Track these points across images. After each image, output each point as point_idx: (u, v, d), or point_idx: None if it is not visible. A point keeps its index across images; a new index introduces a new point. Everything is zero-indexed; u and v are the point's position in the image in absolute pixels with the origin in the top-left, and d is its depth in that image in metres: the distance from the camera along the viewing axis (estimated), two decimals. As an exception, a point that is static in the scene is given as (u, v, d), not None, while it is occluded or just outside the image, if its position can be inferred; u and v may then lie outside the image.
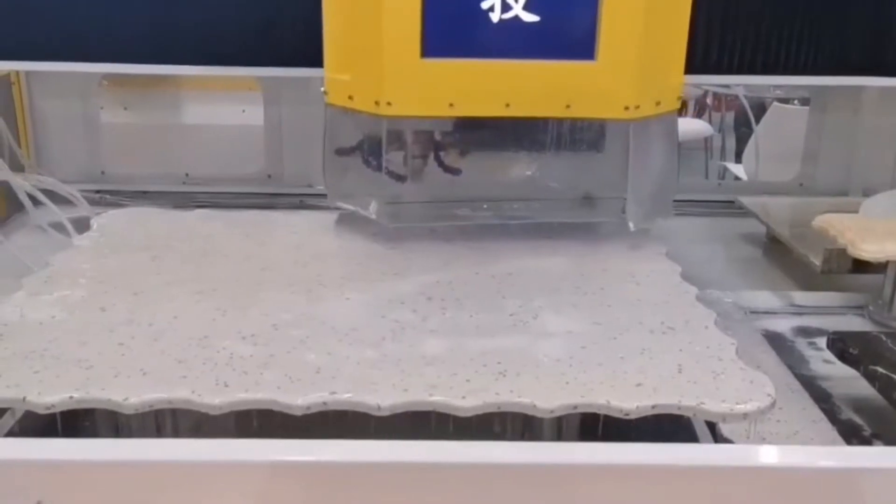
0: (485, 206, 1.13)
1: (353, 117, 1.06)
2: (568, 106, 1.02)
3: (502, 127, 1.06)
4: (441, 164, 1.11)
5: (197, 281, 0.96)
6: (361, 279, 0.99)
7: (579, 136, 1.08)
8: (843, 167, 1.55)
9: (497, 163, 1.15)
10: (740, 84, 2.49)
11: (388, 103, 1.00)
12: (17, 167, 1.36)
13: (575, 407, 0.73)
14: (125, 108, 1.73)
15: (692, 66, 1.09)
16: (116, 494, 0.64)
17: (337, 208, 1.15)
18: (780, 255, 1.30)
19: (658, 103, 1.05)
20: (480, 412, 0.72)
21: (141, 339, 0.82)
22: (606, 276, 1.01)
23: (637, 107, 1.02)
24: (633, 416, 0.72)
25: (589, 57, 1.00)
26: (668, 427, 0.80)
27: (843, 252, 1.09)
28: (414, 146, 1.09)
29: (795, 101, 2.97)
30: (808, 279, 1.21)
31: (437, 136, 1.10)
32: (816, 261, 1.13)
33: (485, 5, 0.98)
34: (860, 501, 0.65)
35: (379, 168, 1.08)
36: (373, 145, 1.08)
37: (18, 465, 0.64)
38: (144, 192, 1.49)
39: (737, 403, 0.72)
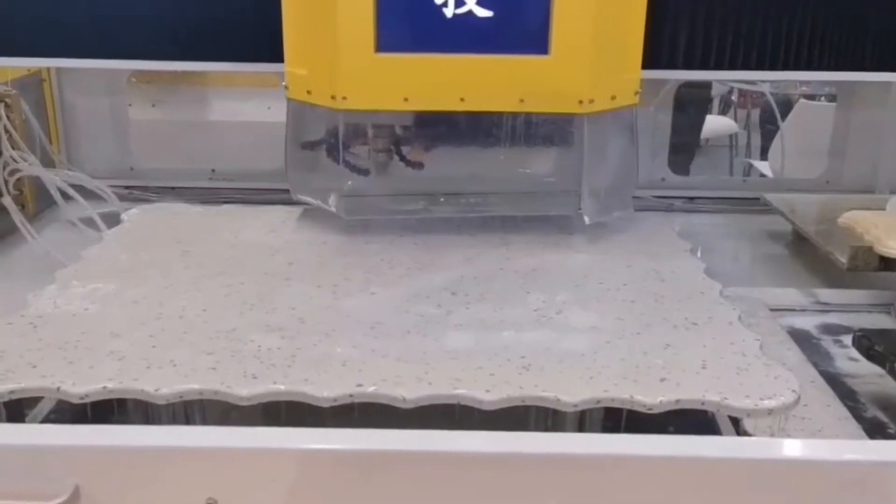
0: (441, 200, 1.13)
1: (313, 111, 1.06)
2: (522, 100, 1.02)
3: (461, 121, 1.06)
4: (402, 158, 1.11)
5: (225, 275, 0.98)
6: (386, 274, 1.00)
7: (536, 130, 1.07)
8: (869, 164, 1.53)
9: (456, 157, 1.15)
10: (766, 80, 2.47)
11: (344, 97, 1.01)
12: (47, 163, 1.39)
13: (598, 401, 0.73)
14: (153, 105, 1.75)
15: (715, 63, 1.09)
16: (151, 480, 0.66)
17: (299, 202, 1.16)
18: (806, 252, 1.29)
19: (613, 97, 1.05)
20: (504, 406, 0.73)
21: (171, 331, 0.84)
22: (630, 272, 1.01)
23: (591, 101, 1.02)
24: (656, 411, 0.72)
25: (542, 51, 1.00)
26: (691, 424, 0.80)
27: (869, 249, 1.09)
28: (374, 140, 1.10)
29: (822, 98, 2.95)
30: (834, 276, 1.20)
31: (398, 131, 1.11)
32: (842, 258, 1.12)
33: (438, 0, 0.99)
34: (885, 495, 0.65)
35: (339, 161, 1.08)
36: (333, 139, 1.09)
37: (56, 451, 0.65)
38: (172, 188, 1.51)
39: (761, 399, 0.72)
